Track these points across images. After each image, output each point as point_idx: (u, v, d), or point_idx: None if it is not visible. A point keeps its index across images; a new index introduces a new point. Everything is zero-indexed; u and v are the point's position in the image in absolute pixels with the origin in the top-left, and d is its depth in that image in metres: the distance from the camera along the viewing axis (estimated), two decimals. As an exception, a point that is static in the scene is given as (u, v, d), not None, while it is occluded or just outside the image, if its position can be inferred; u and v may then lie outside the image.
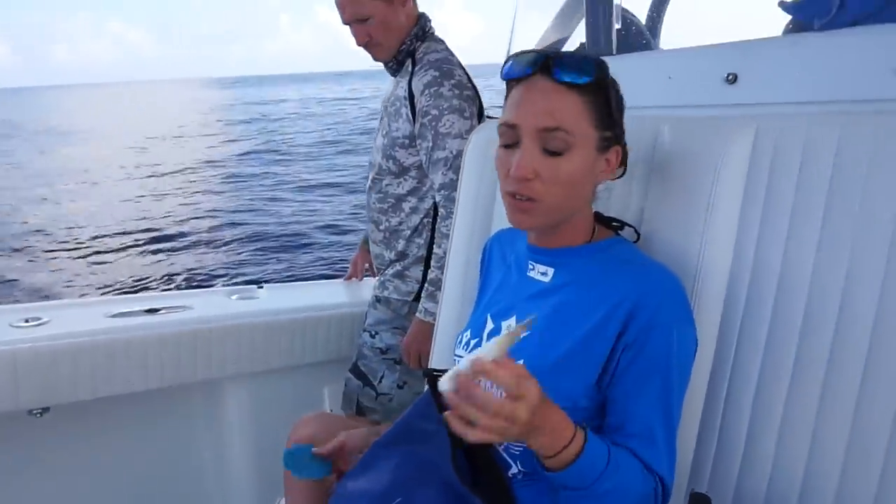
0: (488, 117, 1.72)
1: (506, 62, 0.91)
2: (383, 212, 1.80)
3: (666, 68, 1.14)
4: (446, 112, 1.60)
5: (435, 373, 1.11)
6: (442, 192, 1.64)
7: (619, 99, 0.91)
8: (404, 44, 1.71)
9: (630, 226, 1.00)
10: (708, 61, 1.06)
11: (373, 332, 1.84)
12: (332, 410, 2.07)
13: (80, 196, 11.66)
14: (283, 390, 2.01)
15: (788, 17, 1.16)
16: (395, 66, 1.75)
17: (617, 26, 1.58)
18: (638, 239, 1.01)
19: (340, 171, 12.55)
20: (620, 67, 1.26)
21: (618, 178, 0.98)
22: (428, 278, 1.68)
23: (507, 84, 0.93)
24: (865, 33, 0.86)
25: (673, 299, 0.87)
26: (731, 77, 1.02)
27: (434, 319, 1.62)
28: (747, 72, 1.00)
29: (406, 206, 1.76)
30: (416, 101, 1.64)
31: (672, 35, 1.87)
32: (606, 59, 1.35)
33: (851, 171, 0.82)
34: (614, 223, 1.00)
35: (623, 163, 0.96)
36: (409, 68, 1.71)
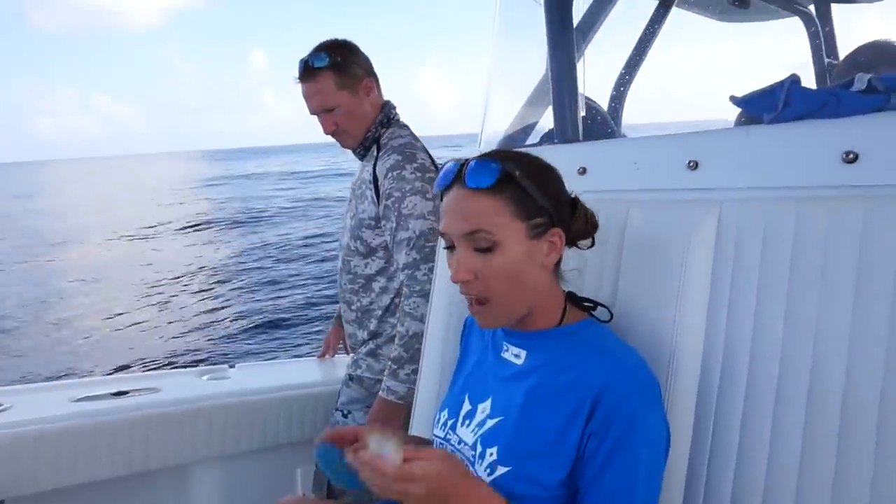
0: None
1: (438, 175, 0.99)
2: (354, 292, 1.82)
3: (631, 155, 1.22)
4: (409, 194, 1.66)
5: None
6: (405, 271, 1.67)
7: (547, 184, 0.94)
8: (370, 131, 1.79)
9: (603, 305, 1.03)
10: (670, 149, 1.14)
11: (345, 412, 1.82)
12: (304, 493, 2.00)
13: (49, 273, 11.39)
14: (254, 473, 1.94)
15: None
16: (361, 151, 1.83)
17: (581, 114, 1.69)
18: (611, 318, 1.03)
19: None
20: (589, 153, 1.35)
21: (589, 248, 1.03)
22: (391, 357, 1.68)
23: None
24: (812, 126, 0.95)
25: (638, 387, 0.88)
26: (692, 164, 1.10)
27: (396, 398, 1.62)
28: (707, 159, 1.08)
29: (376, 286, 1.79)
30: (379, 183, 1.70)
31: (631, 121, 2.00)
32: (574, 146, 1.44)
33: (811, 251, 0.88)
34: (586, 303, 1.03)
35: (588, 234, 1.01)
36: (375, 153, 1.78)
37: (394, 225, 1.67)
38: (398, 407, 1.63)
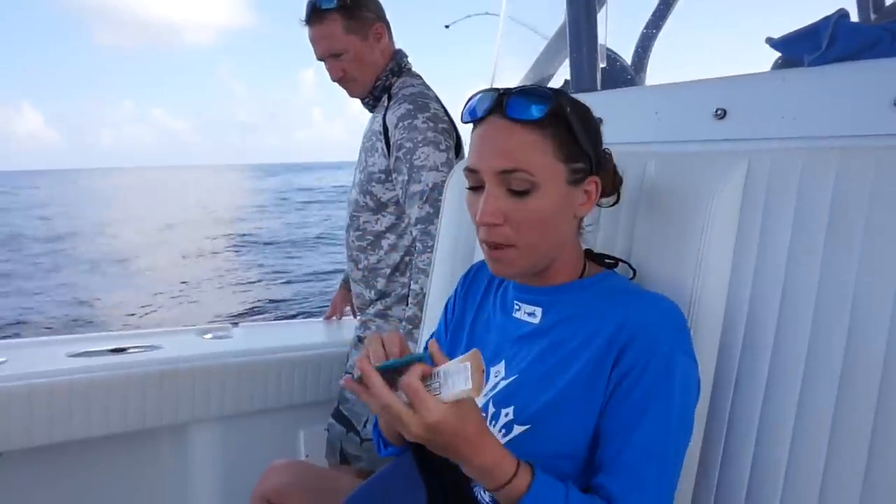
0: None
1: (466, 104, 0.87)
2: (362, 249, 1.75)
3: (652, 104, 1.11)
4: (421, 144, 1.57)
5: None
6: (418, 226, 1.60)
7: (590, 127, 0.85)
8: (379, 79, 1.71)
9: (625, 262, 0.95)
10: (696, 97, 1.03)
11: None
12: (307, 456, 1.97)
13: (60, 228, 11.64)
14: (256, 435, 1.90)
15: (777, 54, 1.15)
16: (371, 101, 1.75)
17: (602, 65, 1.57)
18: (634, 275, 0.95)
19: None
20: (606, 103, 1.24)
21: (612, 205, 0.95)
22: (406, 316, 1.62)
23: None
24: (860, 68, 0.83)
25: (673, 328, 0.80)
26: (720, 112, 0.99)
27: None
28: (737, 107, 0.97)
29: (385, 243, 1.72)
30: (390, 134, 1.62)
31: (658, 73, 1.87)
32: (591, 95, 1.33)
33: (851, 206, 0.78)
34: (608, 260, 0.95)
35: (615, 191, 0.93)
36: (385, 103, 1.70)
37: (405, 178, 1.59)
38: None
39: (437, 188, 1.55)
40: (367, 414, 1.72)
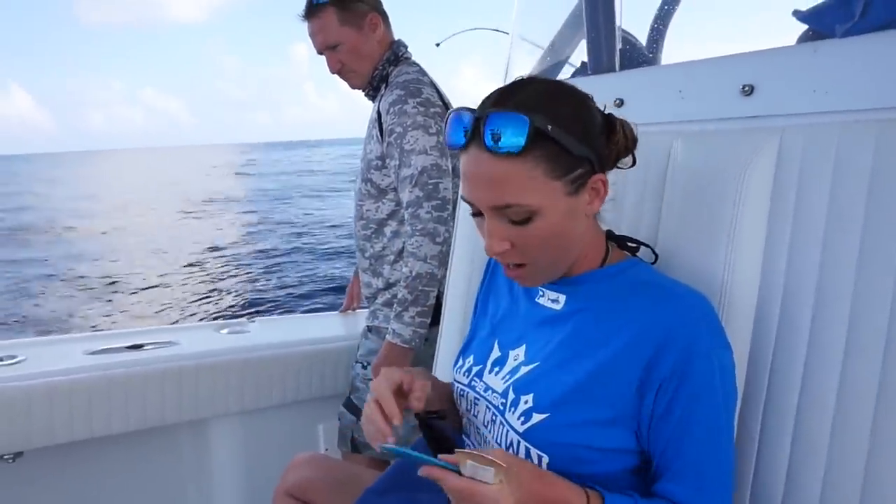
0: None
1: (444, 126, 0.82)
2: (367, 238, 1.76)
3: (676, 82, 1.08)
4: (410, 129, 1.58)
5: (429, 414, 1.03)
6: (409, 209, 1.60)
7: (582, 123, 0.79)
8: (377, 69, 1.73)
9: (647, 245, 0.93)
10: (721, 73, 1.00)
11: (364, 363, 1.76)
12: (327, 449, 1.97)
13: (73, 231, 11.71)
14: (275, 429, 1.90)
15: (800, 30, 1.11)
16: (371, 92, 1.77)
17: (618, 47, 1.54)
18: (656, 260, 0.93)
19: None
20: (626, 83, 1.21)
21: (630, 167, 0.90)
22: (397, 299, 1.61)
23: None
24: None
25: (707, 324, 0.79)
26: (746, 88, 0.96)
27: (402, 342, 1.57)
28: (765, 83, 0.94)
29: (387, 230, 1.72)
30: (383, 120, 1.64)
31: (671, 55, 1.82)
32: (611, 76, 1.30)
33: (891, 181, 0.75)
34: (630, 243, 0.93)
35: (627, 152, 0.87)
36: (383, 92, 1.71)
37: (397, 162, 1.61)
38: (404, 351, 1.58)
39: (427, 171, 1.56)
40: None
